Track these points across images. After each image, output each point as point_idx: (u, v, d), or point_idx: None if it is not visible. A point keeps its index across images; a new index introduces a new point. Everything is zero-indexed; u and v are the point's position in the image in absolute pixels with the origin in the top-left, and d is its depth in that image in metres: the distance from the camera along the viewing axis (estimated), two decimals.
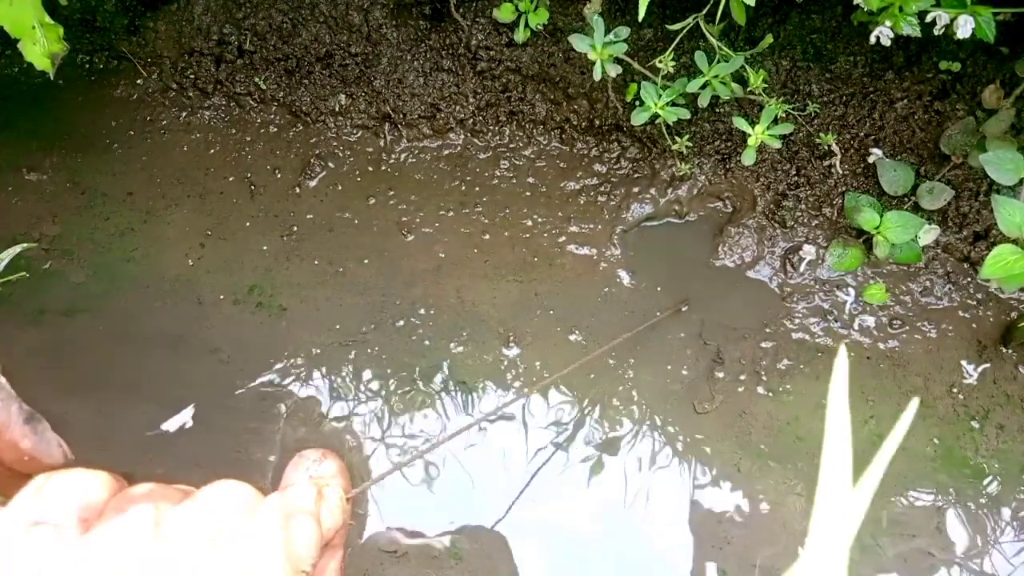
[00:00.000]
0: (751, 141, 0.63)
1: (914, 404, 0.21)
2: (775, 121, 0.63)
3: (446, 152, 0.79)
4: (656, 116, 0.63)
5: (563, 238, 0.73)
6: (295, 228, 0.76)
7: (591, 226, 0.73)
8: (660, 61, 0.62)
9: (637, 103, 0.64)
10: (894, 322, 0.66)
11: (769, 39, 0.64)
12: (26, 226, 0.77)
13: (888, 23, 0.52)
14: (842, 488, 0.20)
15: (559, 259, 0.72)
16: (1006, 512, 0.59)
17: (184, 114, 0.82)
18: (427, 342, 0.68)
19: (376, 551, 0.60)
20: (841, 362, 0.21)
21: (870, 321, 0.67)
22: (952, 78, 0.67)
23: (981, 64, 0.65)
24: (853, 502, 0.20)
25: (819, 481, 0.20)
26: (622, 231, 0.73)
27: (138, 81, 0.83)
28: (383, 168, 0.78)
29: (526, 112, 0.76)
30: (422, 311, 0.70)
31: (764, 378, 0.65)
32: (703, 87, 0.62)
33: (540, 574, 0.58)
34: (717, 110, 0.71)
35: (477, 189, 0.76)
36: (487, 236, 0.74)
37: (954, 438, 0.62)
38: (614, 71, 0.62)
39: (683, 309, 0.69)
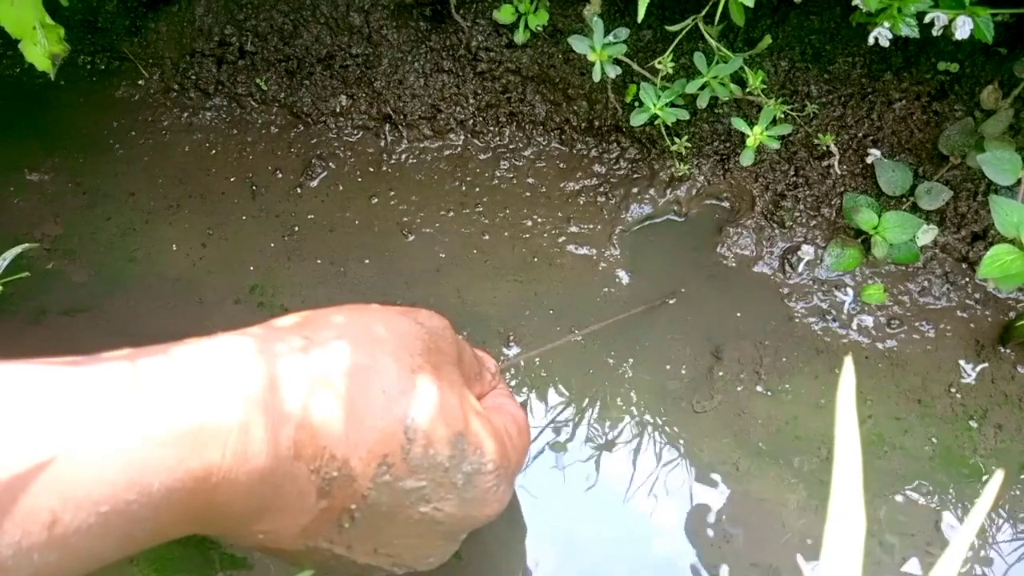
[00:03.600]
0: (750, 142, 0.63)
1: (849, 363, 0.21)
2: (774, 122, 0.63)
3: (446, 153, 0.79)
4: (655, 117, 0.64)
5: (563, 238, 0.73)
6: (296, 228, 0.76)
7: (591, 226, 0.74)
8: (659, 62, 0.62)
9: (636, 104, 0.65)
10: (892, 322, 0.66)
11: (768, 40, 0.64)
12: (28, 226, 0.77)
13: (886, 24, 0.53)
14: (854, 496, 0.21)
15: (559, 259, 0.73)
16: (1005, 511, 0.59)
17: (186, 115, 0.82)
18: None
19: None
20: (848, 372, 0.21)
21: (868, 321, 0.67)
22: (950, 79, 0.67)
23: (979, 65, 0.66)
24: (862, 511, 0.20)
25: (832, 489, 0.20)
26: (621, 231, 0.73)
27: (140, 82, 0.83)
28: (384, 169, 0.79)
29: (526, 113, 0.76)
30: None
31: (763, 377, 0.65)
32: (702, 88, 0.62)
33: (540, 574, 0.58)
34: (716, 111, 0.71)
35: (477, 189, 0.77)
36: (487, 236, 0.74)
37: (952, 437, 0.62)
38: (613, 72, 0.62)
39: (670, 302, 0.69)
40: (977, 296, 0.67)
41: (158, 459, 0.28)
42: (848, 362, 0.21)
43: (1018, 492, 0.60)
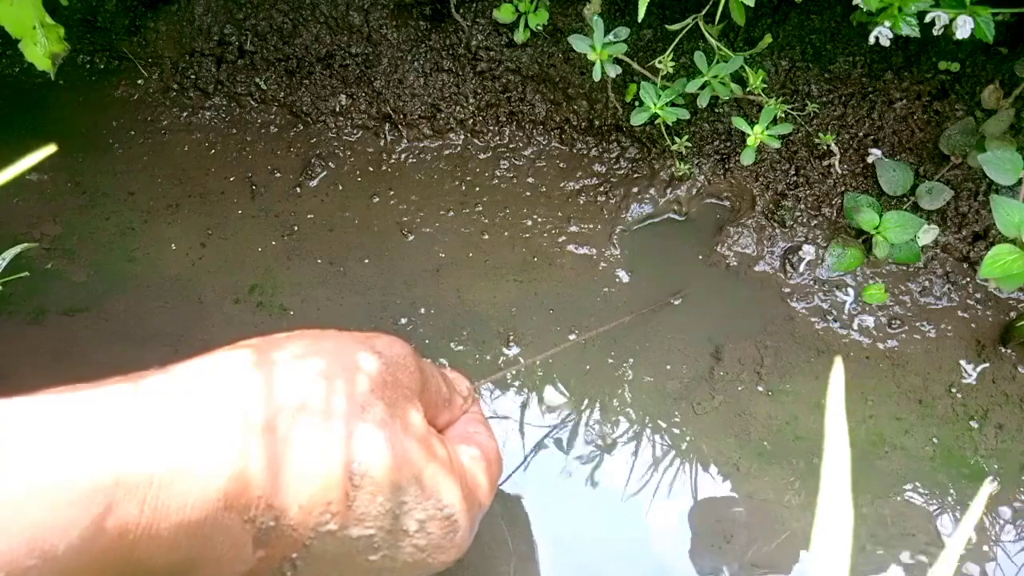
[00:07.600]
0: (750, 141, 0.63)
1: (839, 364, 0.22)
2: (774, 121, 0.63)
3: (446, 152, 0.79)
4: (655, 116, 0.63)
5: (563, 238, 0.73)
6: (296, 228, 0.76)
7: (591, 226, 0.74)
8: (659, 61, 0.62)
9: (636, 103, 0.64)
10: (893, 322, 0.66)
11: (768, 39, 0.64)
12: (27, 226, 0.77)
13: (887, 23, 0.53)
14: (842, 495, 0.21)
15: (559, 259, 0.72)
16: (1005, 512, 0.59)
17: (185, 114, 0.82)
18: (427, 341, 0.68)
19: None
20: (837, 374, 0.21)
21: (869, 321, 0.67)
22: (951, 78, 0.67)
23: (980, 64, 0.66)
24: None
25: (820, 489, 0.21)
26: (622, 231, 0.73)
27: (139, 81, 0.83)
28: (383, 168, 0.78)
29: (526, 112, 0.76)
30: (422, 310, 0.70)
31: (764, 378, 0.65)
32: (702, 87, 0.62)
33: (539, 574, 0.58)
34: (716, 110, 0.71)
35: (477, 189, 0.76)
36: (487, 236, 0.74)
37: (953, 438, 0.62)
38: (613, 71, 0.62)
39: (676, 302, 0.69)
40: (978, 296, 0.66)
41: (65, 519, 0.25)
42: (838, 362, 0.21)
43: (1020, 493, 0.59)
